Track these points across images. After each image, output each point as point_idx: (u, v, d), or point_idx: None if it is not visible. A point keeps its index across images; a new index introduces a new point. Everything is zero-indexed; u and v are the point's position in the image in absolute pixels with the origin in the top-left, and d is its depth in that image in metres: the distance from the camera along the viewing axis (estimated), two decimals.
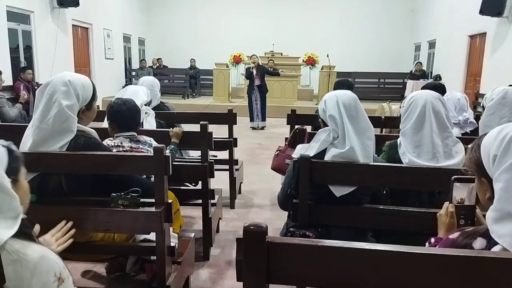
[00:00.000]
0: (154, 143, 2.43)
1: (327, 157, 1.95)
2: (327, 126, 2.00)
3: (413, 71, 11.61)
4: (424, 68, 12.09)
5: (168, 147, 2.61)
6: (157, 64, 14.23)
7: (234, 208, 4.09)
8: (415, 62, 12.04)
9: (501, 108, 2.27)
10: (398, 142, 2.04)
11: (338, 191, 1.93)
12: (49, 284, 0.93)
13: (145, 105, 3.18)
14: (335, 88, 3.52)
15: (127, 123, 2.43)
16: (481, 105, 2.59)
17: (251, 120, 9.14)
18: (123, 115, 2.41)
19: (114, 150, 2.35)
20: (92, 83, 2.07)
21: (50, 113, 1.88)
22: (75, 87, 1.93)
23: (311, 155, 1.95)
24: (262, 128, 9.11)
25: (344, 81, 4.01)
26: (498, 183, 0.95)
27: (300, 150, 2.04)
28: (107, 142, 2.39)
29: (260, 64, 9.13)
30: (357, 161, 1.91)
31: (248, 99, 9.14)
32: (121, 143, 2.39)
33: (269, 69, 9.21)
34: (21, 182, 1.08)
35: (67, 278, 0.97)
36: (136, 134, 2.45)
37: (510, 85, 6.51)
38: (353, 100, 1.99)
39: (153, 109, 3.39)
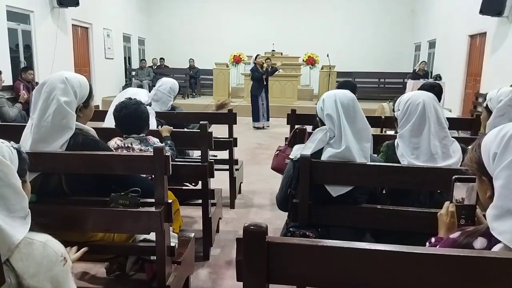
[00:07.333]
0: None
1: (324, 157, 1.94)
2: (325, 125, 2.00)
3: (416, 70, 11.38)
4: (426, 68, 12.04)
5: (164, 143, 2.61)
6: (158, 64, 14.22)
7: (234, 208, 4.09)
8: (420, 62, 11.77)
9: (511, 110, 2.23)
10: (396, 144, 2.03)
11: (335, 191, 1.93)
12: (58, 263, 1.03)
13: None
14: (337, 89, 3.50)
15: (136, 129, 2.47)
16: (485, 105, 2.48)
17: (256, 120, 9.14)
18: (132, 122, 2.45)
19: (125, 151, 2.37)
20: (89, 81, 2.10)
21: (49, 111, 1.89)
22: (72, 84, 1.94)
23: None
24: (267, 127, 9.12)
25: (347, 83, 3.97)
26: (498, 180, 0.95)
27: (297, 150, 2.03)
28: (116, 141, 2.42)
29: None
30: (353, 161, 1.90)
31: (253, 99, 9.11)
32: (131, 144, 2.43)
33: (268, 68, 9.21)
34: (27, 184, 1.14)
35: (69, 259, 1.08)
36: (145, 136, 2.50)
37: None
38: (351, 100, 1.98)
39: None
